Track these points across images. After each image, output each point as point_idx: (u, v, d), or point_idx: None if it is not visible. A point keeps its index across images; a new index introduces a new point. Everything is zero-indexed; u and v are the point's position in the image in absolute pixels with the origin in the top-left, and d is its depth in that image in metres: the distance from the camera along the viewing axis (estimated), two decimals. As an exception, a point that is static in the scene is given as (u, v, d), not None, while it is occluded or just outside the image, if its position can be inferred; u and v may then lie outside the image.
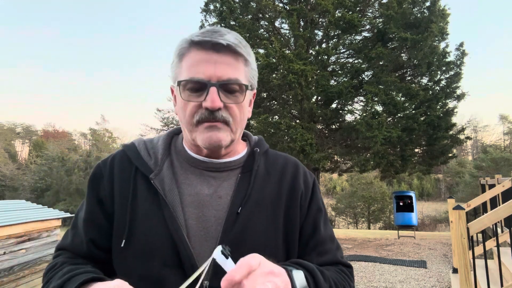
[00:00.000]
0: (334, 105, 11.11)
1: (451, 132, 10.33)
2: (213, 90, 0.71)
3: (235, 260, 0.56)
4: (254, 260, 0.55)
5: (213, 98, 0.70)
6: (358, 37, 11.14)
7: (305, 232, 0.82)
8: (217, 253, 0.56)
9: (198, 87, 0.72)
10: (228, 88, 0.73)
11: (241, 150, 0.86)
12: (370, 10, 11.28)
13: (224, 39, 0.72)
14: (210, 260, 0.57)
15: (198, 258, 0.71)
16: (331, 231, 0.88)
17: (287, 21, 10.20)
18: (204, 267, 0.57)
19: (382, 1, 10.62)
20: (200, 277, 0.58)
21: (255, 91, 0.85)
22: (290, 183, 0.84)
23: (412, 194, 11.86)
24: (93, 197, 0.79)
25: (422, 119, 9.44)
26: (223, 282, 0.52)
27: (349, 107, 11.55)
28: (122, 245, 0.73)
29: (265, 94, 11.24)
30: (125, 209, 0.75)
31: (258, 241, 0.74)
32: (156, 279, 0.70)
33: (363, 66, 10.17)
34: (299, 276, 0.62)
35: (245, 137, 0.92)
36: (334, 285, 0.71)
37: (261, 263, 0.56)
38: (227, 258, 0.55)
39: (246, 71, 0.77)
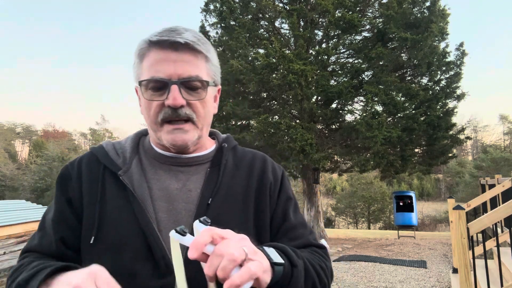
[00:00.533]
0: (334, 105, 11.10)
1: (451, 132, 10.33)
2: (174, 88, 0.72)
3: None
4: (216, 228, 0.56)
5: (175, 96, 0.71)
6: (358, 37, 11.14)
7: (276, 221, 0.84)
8: (173, 234, 0.56)
9: (159, 86, 0.73)
10: (189, 85, 0.74)
11: (209, 146, 0.88)
12: (370, 10, 11.27)
13: (182, 37, 0.72)
14: (176, 244, 0.57)
15: (169, 250, 0.71)
16: (302, 219, 0.89)
17: (287, 21, 10.19)
18: (174, 251, 0.58)
19: (382, 1, 10.61)
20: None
21: (219, 87, 0.86)
22: (259, 176, 0.85)
23: (412, 194, 11.87)
24: (62, 197, 0.79)
25: (422, 119, 9.44)
26: (190, 250, 0.53)
27: (349, 107, 11.54)
28: (91, 242, 0.73)
29: (265, 94, 11.23)
30: (94, 207, 0.75)
31: None
32: (127, 273, 0.70)
33: (363, 66, 10.16)
34: (271, 250, 0.63)
35: (213, 135, 0.94)
36: (307, 261, 0.72)
37: (230, 232, 0.57)
38: (184, 235, 0.55)
39: (207, 68, 0.78)
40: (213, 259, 0.52)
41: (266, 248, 0.62)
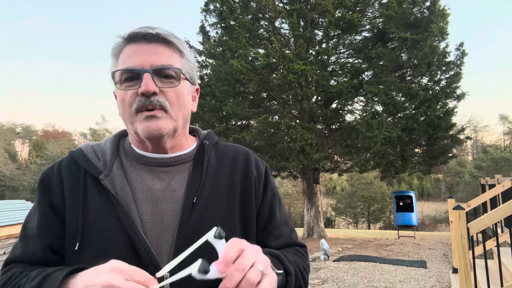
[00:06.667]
0: (334, 105, 11.11)
1: (451, 132, 10.33)
2: (146, 75, 0.72)
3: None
4: (242, 241, 0.59)
5: (147, 83, 0.71)
6: (358, 37, 11.15)
7: (262, 217, 0.85)
8: (211, 235, 0.58)
9: (132, 76, 0.73)
10: (162, 73, 0.74)
11: (191, 144, 0.87)
12: (370, 10, 11.28)
13: (153, 30, 0.75)
14: (203, 240, 0.58)
15: (156, 252, 0.71)
16: (286, 215, 0.92)
17: (287, 21, 10.20)
18: (198, 245, 0.59)
19: (382, 1, 10.62)
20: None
21: (197, 86, 0.86)
22: (243, 171, 0.85)
23: (412, 194, 11.86)
24: (45, 202, 0.77)
25: (422, 119, 9.44)
26: (220, 265, 0.55)
27: (349, 107, 11.55)
28: (76, 248, 0.71)
29: (265, 94, 11.23)
30: (77, 212, 0.73)
31: None
32: None
33: (363, 66, 10.16)
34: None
35: (194, 132, 0.93)
36: (296, 266, 0.78)
37: (245, 242, 0.60)
38: (220, 239, 0.58)
39: (182, 62, 0.78)
40: (234, 274, 0.54)
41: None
